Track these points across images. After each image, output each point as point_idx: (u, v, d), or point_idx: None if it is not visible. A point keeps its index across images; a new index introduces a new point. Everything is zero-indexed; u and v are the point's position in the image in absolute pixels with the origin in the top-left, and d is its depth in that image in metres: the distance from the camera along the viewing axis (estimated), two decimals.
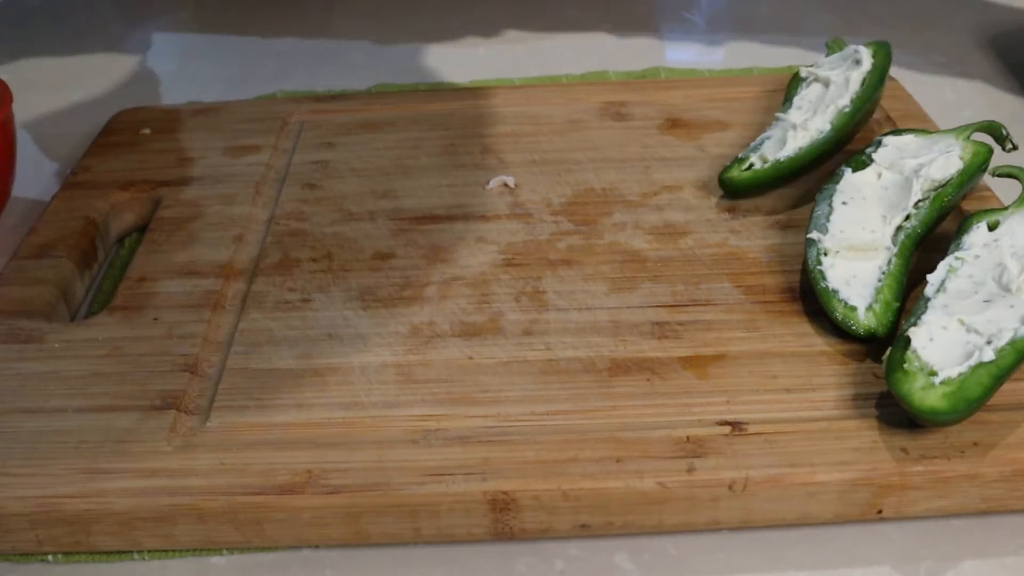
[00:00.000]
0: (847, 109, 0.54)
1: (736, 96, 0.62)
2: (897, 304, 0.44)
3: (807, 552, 0.38)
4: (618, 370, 0.42)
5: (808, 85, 0.57)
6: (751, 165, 0.53)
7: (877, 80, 0.56)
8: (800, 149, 0.53)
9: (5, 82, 0.55)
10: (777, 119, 0.55)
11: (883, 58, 0.57)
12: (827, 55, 0.60)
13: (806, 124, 0.54)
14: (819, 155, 0.53)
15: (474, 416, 0.40)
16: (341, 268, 0.49)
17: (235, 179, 0.56)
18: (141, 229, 0.54)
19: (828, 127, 0.54)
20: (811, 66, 0.59)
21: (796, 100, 0.56)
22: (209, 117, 0.61)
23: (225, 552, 0.39)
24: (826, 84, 0.57)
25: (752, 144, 0.55)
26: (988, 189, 0.52)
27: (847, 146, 0.55)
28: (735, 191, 0.52)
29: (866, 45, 0.58)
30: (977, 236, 0.45)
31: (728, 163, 0.54)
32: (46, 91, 0.70)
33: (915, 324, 0.41)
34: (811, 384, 0.41)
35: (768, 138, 0.54)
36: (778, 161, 0.52)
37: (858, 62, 0.57)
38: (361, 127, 0.60)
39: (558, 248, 0.50)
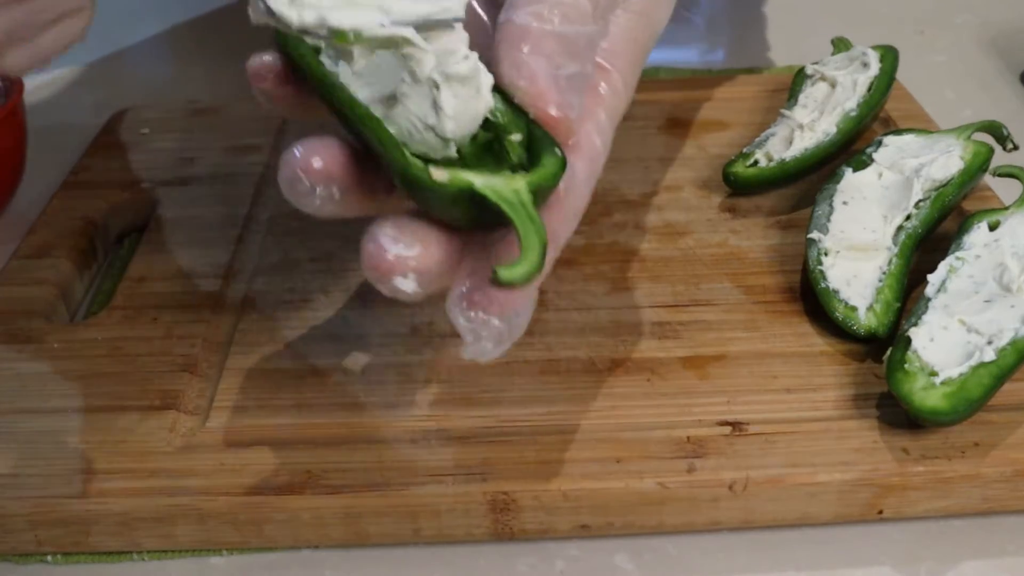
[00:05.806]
0: (853, 113, 0.54)
1: (736, 96, 0.62)
2: (898, 304, 0.44)
3: (807, 552, 0.38)
4: (618, 370, 0.42)
5: (814, 84, 0.57)
6: (756, 162, 0.53)
7: (885, 86, 0.56)
8: (806, 150, 0.53)
9: None
10: (782, 115, 0.55)
11: (890, 63, 0.57)
12: (832, 53, 0.60)
13: (813, 125, 0.54)
14: (823, 157, 0.53)
15: (474, 416, 0.40)
16: (341, 268, 0.49)
17: (235, 179, 0.56)
18: (141, 229, 0.54)
19: (834, 130, 0.53)
20: (816, 63, 0.59)
21: (801, 98, 0.56)
22: (209, 117, 0.61)
23: (225, 552, 0.39)
24: (832, 84, 0.56)
25: (757, 140, 0.55)
26: (989, 189, 0.52)
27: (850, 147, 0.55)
28: (738, 186, 0.52)
29: (874, 49, 0.58)
30: (978, 236, 0.45)
31: (731, 158, 0.54)
32: (46, 90, 0.70)
33: (916, 324, 0.41)
34: (811, 384, 0.41)
35: (772, 135, 0.54)
36: (783, 161, 0.52)
37: (865, 65, 0.57)
38: None
39: None
